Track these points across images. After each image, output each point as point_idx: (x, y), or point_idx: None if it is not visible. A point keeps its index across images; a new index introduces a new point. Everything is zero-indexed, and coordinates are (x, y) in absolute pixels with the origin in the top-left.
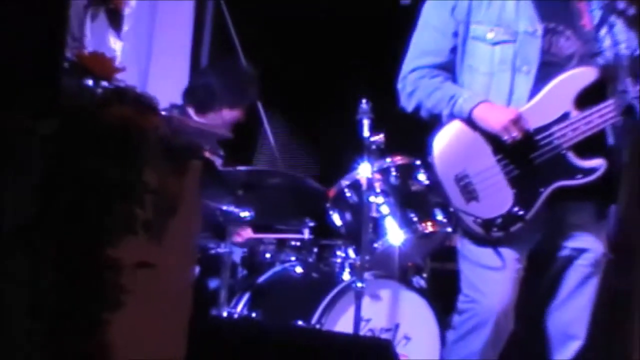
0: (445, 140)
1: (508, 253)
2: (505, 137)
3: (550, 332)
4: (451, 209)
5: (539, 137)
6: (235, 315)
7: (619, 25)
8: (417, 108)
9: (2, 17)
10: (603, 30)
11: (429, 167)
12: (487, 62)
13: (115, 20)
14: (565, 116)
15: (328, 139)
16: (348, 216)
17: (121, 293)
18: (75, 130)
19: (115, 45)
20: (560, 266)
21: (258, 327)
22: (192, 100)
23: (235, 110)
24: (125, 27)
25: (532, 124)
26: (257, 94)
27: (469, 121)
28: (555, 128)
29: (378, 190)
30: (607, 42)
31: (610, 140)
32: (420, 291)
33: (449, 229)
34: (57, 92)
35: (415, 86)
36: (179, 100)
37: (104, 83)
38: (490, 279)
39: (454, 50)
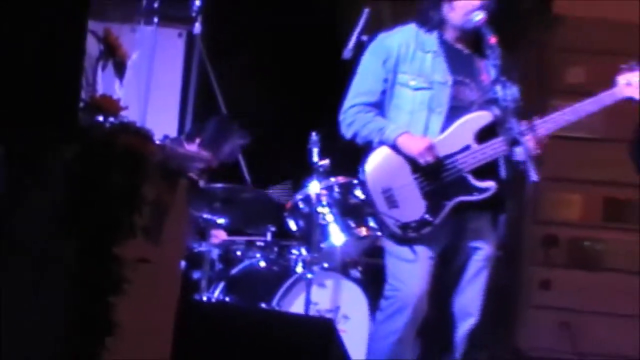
0: (375, 161)
1: (422, 250)
2: (421, 160)
3: (453, 311)
4: (378, 215)
5: (446, 162)
6: (213, 299)
7: (507, 81)
8: (354, 135)
9: (32, 67)
10: (496, 84)
11: (361, 181)
12: (409, 103)
13: (120, 69)
14: (467, 147)
15: (287, 163)
16: (301, 223)
17: (124, 282)
18: (91, 155)
19: (120, 90)
20: (461, 261)
21: (230, 308)
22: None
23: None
24: (128, 75)
25: (442, 152)
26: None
27: (394, 147)
28: (459, 156)
29: (324, 203)
30: (499, 93)
31: (501, 167)
32: (356, 281)
33: (378, 233)
34: (75, 124)
35: (353, 119)
36: (170, 133)
37: (112, 119)
38: (409, 271)
39: (384, 92)
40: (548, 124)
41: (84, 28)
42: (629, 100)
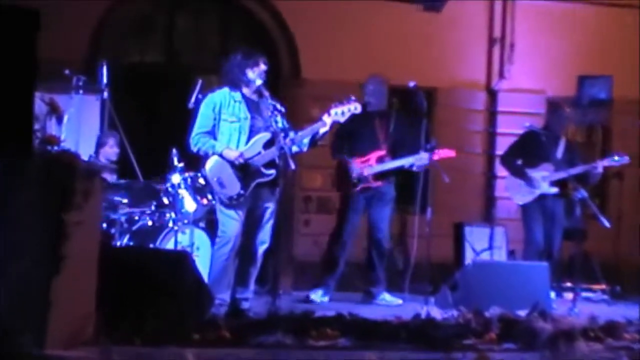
0: (210, 163)
1: (239, 211)
2: (236, 162)
3: (255, 242)
4: (214, 194)
5: (250, 161)
6: (122, 245)
7: (279, 116)
8: (198, 150)
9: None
10: (272, 119)
11: (203, 175)
12: (228, 130)
13: (59, 120)
14: (259, 153)
15: (160, 165)
16: (170, 198)
17: (69, 234)
18: (50, 166)
19: (61, 131)
20: (259, 214)
21: (132, 249)
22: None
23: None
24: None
25: (247, 156)
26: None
27: (221, 155)
28: (255, 158)
29: (182, 186)
30: (279, 124)
31: (279, 162)
32: (202, 229)
33: (213, 202)
34: (31, 150)
35: (197, 140)
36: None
37: (55, 148)
38: (231, 222)
39: (214, 126)
40: (302, 136)
41: (32, 99)
42: (336, 122)
